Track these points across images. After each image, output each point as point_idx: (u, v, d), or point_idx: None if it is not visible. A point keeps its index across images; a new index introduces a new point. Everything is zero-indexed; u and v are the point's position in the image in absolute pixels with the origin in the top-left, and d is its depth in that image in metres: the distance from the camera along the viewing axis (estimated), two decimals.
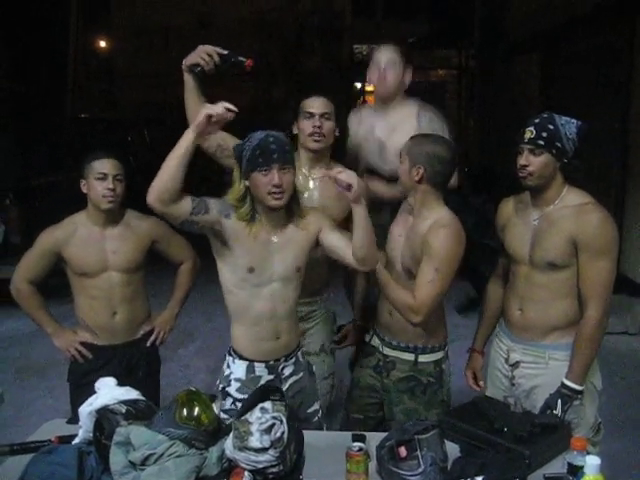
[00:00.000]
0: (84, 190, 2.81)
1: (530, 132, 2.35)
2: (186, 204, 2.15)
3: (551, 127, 2.33)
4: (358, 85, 25.69)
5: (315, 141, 2.72)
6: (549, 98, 9.18)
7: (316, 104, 2.73)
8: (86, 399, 2.25)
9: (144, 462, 1.90)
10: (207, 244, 2.37)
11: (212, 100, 2.28)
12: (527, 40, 9.97)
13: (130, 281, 2.90)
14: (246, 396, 2.28)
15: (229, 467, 1.96)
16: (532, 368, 2.49)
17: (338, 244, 2.35)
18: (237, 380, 2.39)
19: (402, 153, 2.53)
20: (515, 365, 2.54)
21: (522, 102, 10.36)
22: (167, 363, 5.22)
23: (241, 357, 2.39)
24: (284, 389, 2.33)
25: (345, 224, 2.56)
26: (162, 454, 1.90)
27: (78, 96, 12.29)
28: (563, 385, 2.36)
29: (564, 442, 2.06)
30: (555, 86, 9.02)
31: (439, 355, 2.62)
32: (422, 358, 2.59)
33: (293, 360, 2.46)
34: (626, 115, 6.36)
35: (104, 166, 2.78)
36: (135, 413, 2.11)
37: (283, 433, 1.97)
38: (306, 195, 2.70)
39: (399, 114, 2.93)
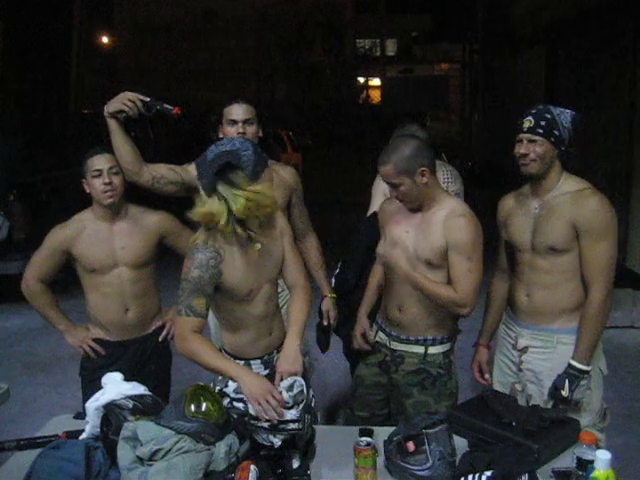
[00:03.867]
0: (86, 190, 2.81)
1: (529, 122, 2.44)
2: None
3: (548, 116, 2.42)
4: (361, 80, 25.72)
5: None
6: (553, 92, 9.16)
7: (239, 111, 2.82)
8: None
9: (152, 457, 1.90)
10: None
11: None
12: (531, 34, 9.94)
13: (140, 277, 2.89)
14: (244, 395, 2.27)
15: (236, 462, 1.96)
16: (540, 352, 2.53)
17: (286, 260, 2.42)
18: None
19: (394, 180, 2.43)
20: (523, 350, 2.57)
21: (526, 96, 10.34)
22: (172, 358, 5.26)
23: (237, 357, 2.39)
24: None
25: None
26: (170, 449, 1.89)
27: (81, 92, 12.29)
28: (570, 366, 2.40)
29: (573, 436, 2.06)
30: (559, 80, 9.00)
31: (447, 346, 2.61)
32: (432, 350, 2.58)
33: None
34: (632, 108, 6.34)
35: (98, 162, 2.77)
36: (142, 408, 2.11)
37: (302, 387, 2.09)
38: None
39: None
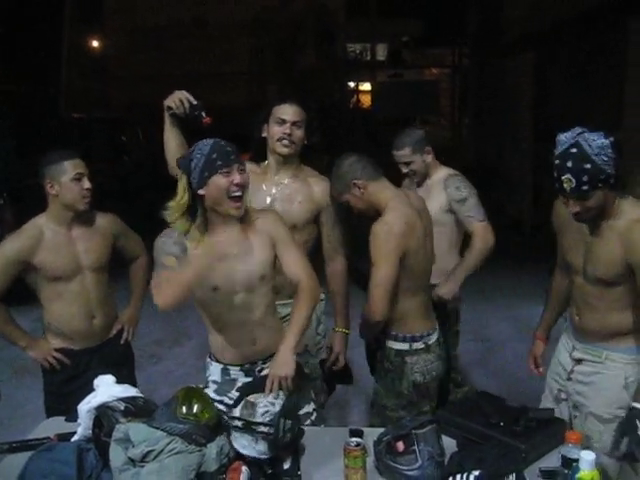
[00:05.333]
0: (52, 192, 2.72)
1: (569, 181, 2.12)
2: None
3: (588, 166, 2.09)
4: (351, 84, 25.74)
5: (284, 146, 2.75)
6: (542, 97, 9.23)
7: (290, 111, 2.75)
8: (72, 406, 2.24)
9: (143, 458, 1.91)
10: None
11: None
12: (521, 39, 10.01)
13: (102, 281, 2.88)
14: (223, 398, 2.34)
15: (228, 462, 1.98)
16: (590, 365, 2.45)
17: (283, 262, 2.36)
18: (214, 382, 2.42)
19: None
20: (579, 361, 2.50)
21: (515, 100, 10.40)
22: (163, 361, 5.28)
23: (217, 360, 2.41)
24: None
25: (302, 233, 2.73)
26: (161, 450, 1.91)
27: (72, 96, 12.27)
28: (635, 408, 2.16)
29: (559, 436, 2.08)
30: (548, 85, 9.06)
31: (402, 346, 2.69)
32: (388, 343, 2.71)
33: None
34: (619, 113, 6.40)
35: (79, 166, 2.74)
36: (134, 410, 2.12)
37: (280, 396, 2.14)
38: (268, 200, 2.76)
39: (433, 183, 3.34)
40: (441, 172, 3.36)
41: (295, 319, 2.31)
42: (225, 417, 2.12)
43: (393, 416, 2.70)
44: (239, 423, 2.05)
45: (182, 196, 2.19)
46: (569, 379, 2.53)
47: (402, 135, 3.34)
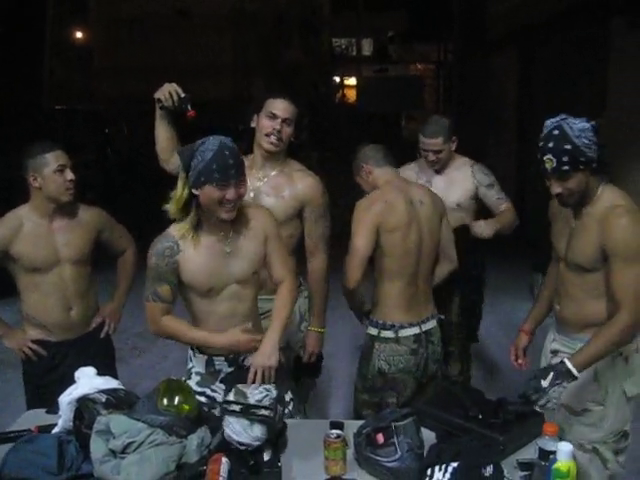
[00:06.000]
0: (35, 184, 2.72)
1: (550, 162, 2.23)
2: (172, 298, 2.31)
3: (568, 147, 2.19)
4: (337, 79, 25.72)
5: (271, 143, 2.75)
6: (526, 93, 9.28)
7: (282, 107, 2.75)
8: (50, 398, 2.23)
9: (124, 450, 1.92)
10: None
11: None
12: (506, 36, 10.05)
13: (82, 274, 2.87)
14: (205, 390, 2.37)
15: (208, 454, 1.99)
16: (563, 357, 2.43)
17: (271, 260, 2.41)
18: (197, 374, 2.42)
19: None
20: (554, 353, 2.57)
21: (500, 96, 10.45)
22: (146, 355, 5.27)
23: (201, 352, 2.41)
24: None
25: (285, 227, 2.71)
26: (142, 442, 1.92)
27: (54, 87, 12.16)
28: (562, 363, 2.27)
29: (537, 428, 2.10)
30: (532, 81, 9.12)
31: (372, 331, 2.85)
32: (367, 327, 2.89)
33: None
34: (602, 109, 6.45)
35: (61, 158, 2.73)
36: (115, 402, 2.12)
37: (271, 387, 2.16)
38: (252, 195, 2.75)
39: (455, 170, 3.44)
40: (460, 160, 3.47)
41: (279, 315, 2.38)
42: (218, 405, 2.14)
43: (359, 398, 2.88)
44: (237, 407, 2.06)
45: (182, 191, 2.20)
46: None
47: (433, 124, 3.39)
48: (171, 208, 2.23)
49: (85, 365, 2.72)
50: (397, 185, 2.84)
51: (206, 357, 2.39)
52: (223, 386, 2.38)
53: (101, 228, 2.94)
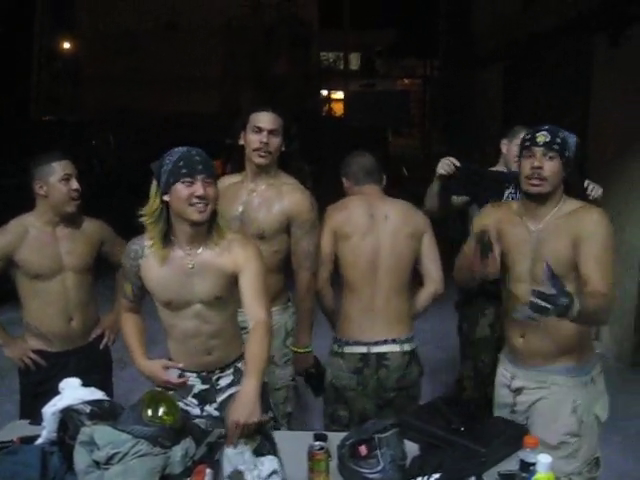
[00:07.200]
0: (41, 192, 2.75)
1: (544, 136, 2.31)
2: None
3: (561, 135, 2.32)
4: (324, 92, 25.86)
5: (260, 156, 2.75)
6: (511, 109, 9.37)
7: (266, 119, 2.74)
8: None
9: (108, 461, 1.92)
10: None
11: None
12: (491, 52, 10.16)
13: (83, 283, 2.89)
14: (180, 404, 2.28)
15: (192, 465, 1.99)
16: (532, 393, 2.44)
17: (244, 292, 2.26)
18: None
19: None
20: (518, 391, 2.48)
21: (485, 112, 10.55)
22: (130, 366, 5.22)
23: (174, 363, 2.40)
24: (221, 400, 2.38)
25: (271, 243, 2.75)
26: (126, 453, 1.92)
27: (42, 98, 12.13)
28: (574, 301, 1.97)
29: (519, 441, 2.12)
30: (517, 97, 9.21)
31: (331, 342, 2.89)
32: None
33: (231, 371, 2.42)
34: (585, 127, 6.53)
35: (68, 167, 2.77)
36: (99, 413, 2.12)
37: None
38: (240, 209, 2.76)
39: None
40: None
41: (256, 359, 2.16)
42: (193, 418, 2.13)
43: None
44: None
45: (153, 201, 2.20)
46: (513, 412, 2.49)
47: (519, 132, 3.30)
48: (145, 219, 2.22)
49: (83, 377, 2.73)
50: (364, 197, 2.85)
51: (178, 372, 2.36)
52: (196, 401, 2.39)
53: (103, 240, 2.97)
